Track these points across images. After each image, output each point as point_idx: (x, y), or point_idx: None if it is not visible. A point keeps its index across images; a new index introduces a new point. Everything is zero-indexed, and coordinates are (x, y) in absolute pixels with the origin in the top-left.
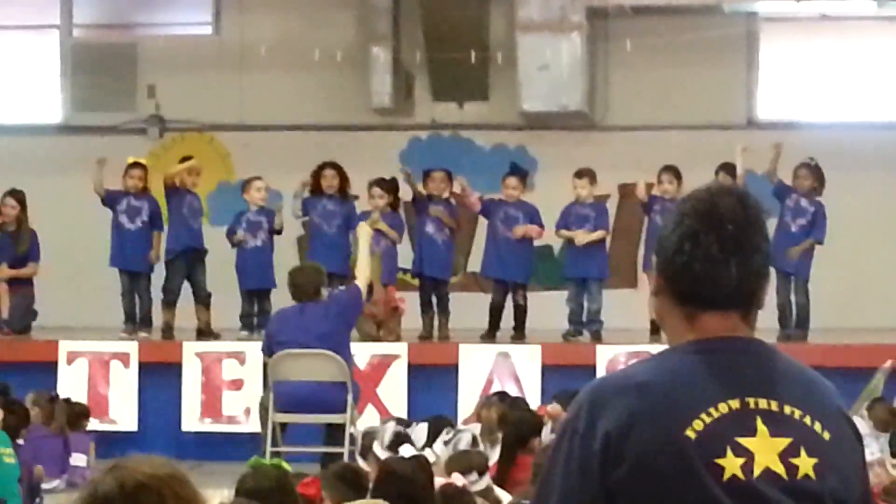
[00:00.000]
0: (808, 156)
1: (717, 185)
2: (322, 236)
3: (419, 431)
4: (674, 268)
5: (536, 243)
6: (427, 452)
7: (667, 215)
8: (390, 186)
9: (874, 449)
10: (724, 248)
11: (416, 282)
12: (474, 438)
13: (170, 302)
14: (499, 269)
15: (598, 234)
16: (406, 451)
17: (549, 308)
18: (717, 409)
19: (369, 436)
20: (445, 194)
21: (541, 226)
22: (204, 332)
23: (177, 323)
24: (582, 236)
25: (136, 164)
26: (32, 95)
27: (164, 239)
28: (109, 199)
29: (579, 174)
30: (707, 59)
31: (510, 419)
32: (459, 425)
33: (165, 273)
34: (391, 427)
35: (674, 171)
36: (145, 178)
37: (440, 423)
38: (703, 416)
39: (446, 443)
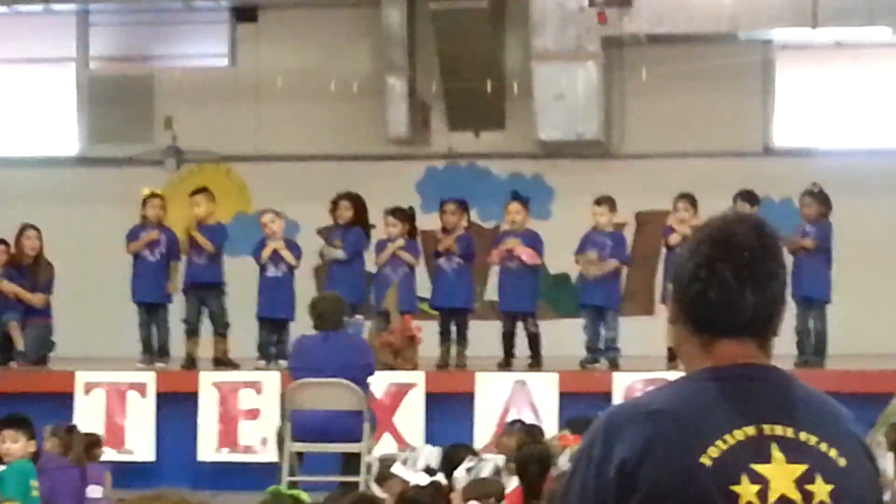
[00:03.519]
0: (813, 182)
1: (733, 213)
2: (338, 268)
3: (428, 456)
4: (690, 295)
5: (553, 271)
6: (439, 477)
7: (682, 244)
8: (406, 215)
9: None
10: (739, 276)
11: (434, 311)
12: (496, 468)
13: (190, 332)
14: (504, 300)
15: (611, 263)
16: (421, 478)
17: (566, 336)
18: (732, 435)
19: (385, 462)
20: (462, 224)
21: (539, 253)
22: (221, 362)
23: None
24: (595, 267)
25: (154, 195)
26: (49, 128)
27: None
28: (130, 237)
29: (598, 202)
30: (723, 86)
31: (524, 453)
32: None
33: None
34: (430, 450)
35: (689, 199)
36: (164, 209)
37: (461, 450)
38: (719, 442)
39: (468, 470)
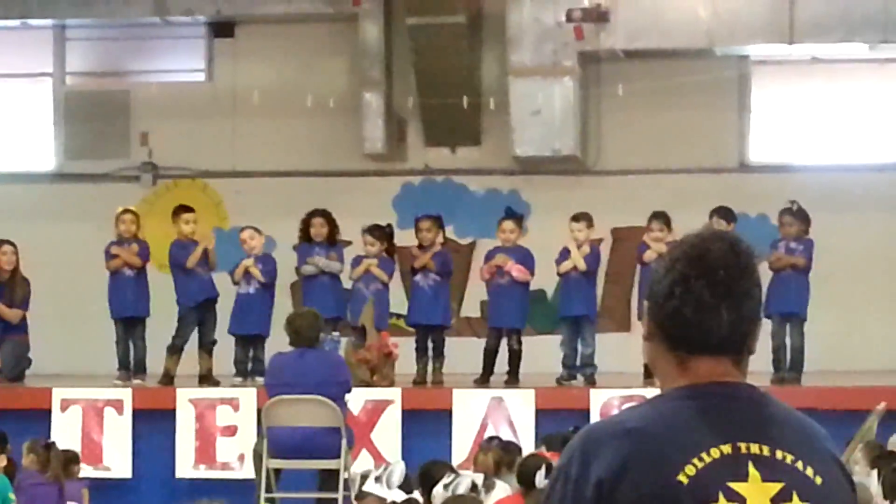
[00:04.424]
0: (791, 200)
1: (709, 231)
2: (314, 283)
3: (397, 473)
4: (665, 313)
5: (530, 287)
6: (416, 495)
7: (658, 261)
8: (384, 233)
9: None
10: (715, 293)
11: (409, 327)
12: (474, 484)
13: (176, 349)
14: (493, 316)
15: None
16: (397, 495)
17: (542, 352)
18: (708, 454)
19: (364, 478)
20: (438, 241)
21: (531, 271)
22: (205, 379)
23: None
24: (576, 257)
25: (126, 211)
26: (25, 143)
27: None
28: (107, 255)
29: (576, 218)
30: (699, 102)
31: (518, 464)
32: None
33: (178, 324)
34: (399, 467)
35: (663, 218)
36: (137, 223)
37: (439, 467)
38: (696, 461)
39: (446, 486)
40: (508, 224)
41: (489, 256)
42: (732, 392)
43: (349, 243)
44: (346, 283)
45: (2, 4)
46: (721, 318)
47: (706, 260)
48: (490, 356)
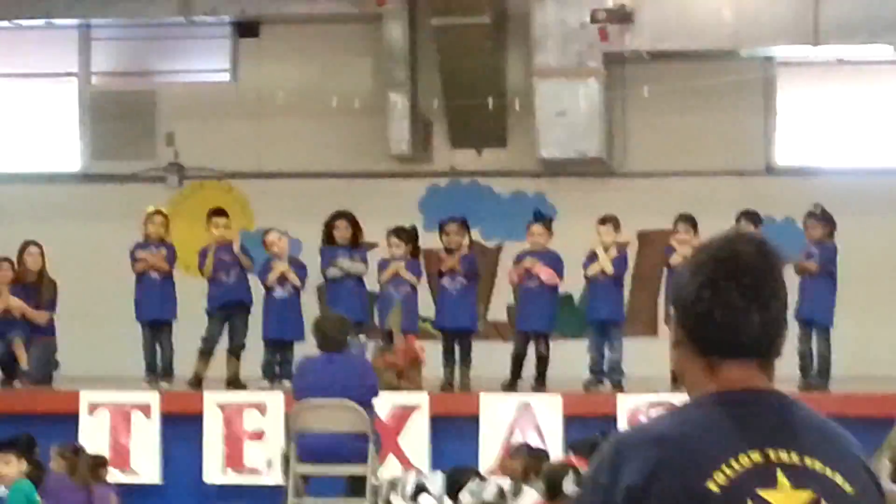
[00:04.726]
0: (815, 203)
1: (736, 233)
2: (339, 286)
3: (435, 481)
4: (694, 317)
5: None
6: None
7: (682, 264)
8: (409, 235)
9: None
10: (744, 296)
11: (437, 331)
12: (501, 490)
13: (206, 352)
14: (521, 320)
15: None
16: (425, 500)
17: (570, 357)
18: (738, 461)
19: (391, 486)
20: (465, 244)
21: (560, 274)
22: (232, 383)
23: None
24: (604, 260)
25: (157, 212)
26: (51, 143)
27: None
28: (132, 257)
29: (603, 220)
30: (724, 104)
31: (543, 471)
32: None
33: (206, 326)
34: (412, 477)
35: (689, 220)
36: (166, 225)
37: (465, 473)
38: (725, 468)
39: (472, 493)
40: (537, 227)
41: (518, 260)
42: (762, 398)
43: (374, 245)
44: (370, 286)
45: (27, 4)
46: (751, 321)
47: (735, 262)
48: (518, 361)
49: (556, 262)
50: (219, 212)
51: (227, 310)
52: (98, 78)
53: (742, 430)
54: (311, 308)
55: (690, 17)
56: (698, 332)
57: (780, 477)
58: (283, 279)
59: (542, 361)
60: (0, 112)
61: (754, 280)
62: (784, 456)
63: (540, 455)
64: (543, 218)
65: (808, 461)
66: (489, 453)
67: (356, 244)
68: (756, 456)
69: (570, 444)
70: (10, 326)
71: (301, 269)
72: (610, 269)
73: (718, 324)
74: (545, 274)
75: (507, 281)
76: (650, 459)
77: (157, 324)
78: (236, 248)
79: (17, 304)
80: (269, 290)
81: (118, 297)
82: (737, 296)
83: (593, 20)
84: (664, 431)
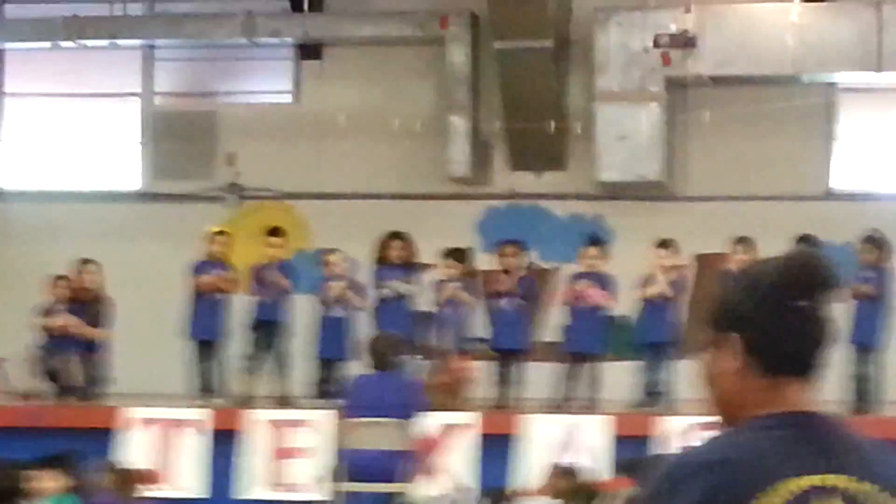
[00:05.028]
0: (873, 228)
1: (798, 252)
2: (388, 306)
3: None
4: (764, 335)
5: (612, 313)
6: None
7: (737, 285)
8: (463, 255)
9: None
10: (814, 314)
11: (491, 352)
12: None
13: (251, 369)
14: (572, 340)
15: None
16: None
17: (621, 378)
18: (794, 485)
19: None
20: (522, 266)
21: (614, 297)
22: (279, 400)
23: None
24: (662, 283)
25: (220, 231)
26: (113, 162)
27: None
28: (195, 271)
29: (663, 244)
30: (784, 129)
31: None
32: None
33: (253, 344)
34: (450, 496)
35: (747, 242)
36: (229, 245)
37: (506, 493)
38: (782, 491)
39: None
40: (592, 250)
41: (572, 281)
42: (816, 422)
43: (431, 266)
44: (424, 306)
45: (92, 25)
46: (813, 339)
47: (802, 281)
48: (571, 382)
49: (610, 285)
50: (274, 231)
51: (271, 327)
52: (161, 98)
53: (798, 454)
54: (366, 327)
55: (753, 43)
56: (769, 350)
57: (837, 501)
58: (341, 298)
59: (594, 382)
60: (64, 131)
61: (815, 299)
62: (841, 480)
63: (584, 475)
64: (598, 241)
65: (864, 486)
66: (538, 473)
67: (410, 264)
68: (813, 480)
69: (621, 465)
70: (66, 343)
71: (361, 290)
72: (669, 292)
73: (789, 343)
74: (600, 296)
75: (561, 302)
76: (707, 484)
77: (211, 342)
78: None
79: (74, 321)
80: (325, 308)
81: (174, 315)
82: (810, 314)
83: (656, 45)
84: (721, 456)
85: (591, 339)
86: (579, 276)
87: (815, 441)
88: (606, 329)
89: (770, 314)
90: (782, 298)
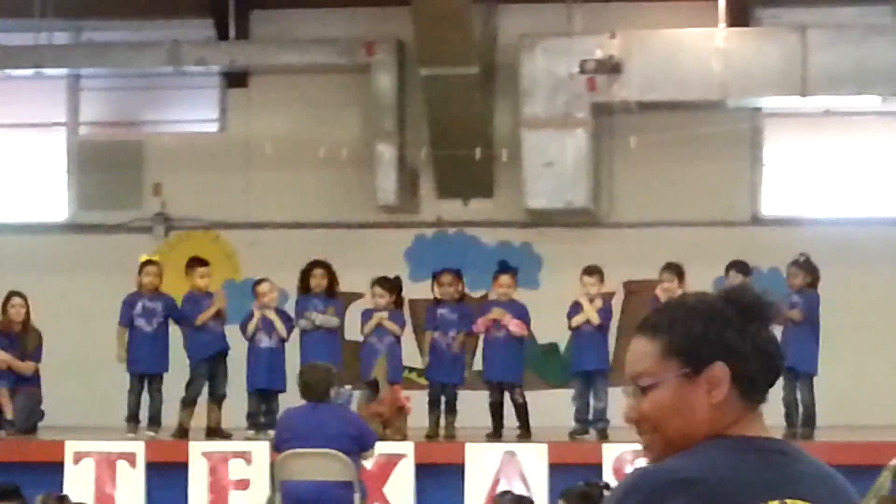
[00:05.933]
0: (801, 252)
1: (737, 283)
2: (312, 337)
3: None
4: (747, 363)
5: (542, 340)
6: None
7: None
8: (392, 285)
9: None
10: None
11: (422, 380)
12: None
13: (190, 402)
14: (489, 370)
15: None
16: None
17: (555, 406)
18: None
19: None
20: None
21: (527, 325)
22: (214, 432)
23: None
24: (589, 311)
25: (150, 262)
26: (38, 193)
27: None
28: (125, 308)
29: (589, 272)
30: (711, 155)
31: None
32: None
33: (190, 377)
34: None
35: (674, 269)
36: (160, 275)
37: None
38: None
39: None
40: (505, 278)
41: (485, 310)
42: (777, 447)
43: (360, 296)
44: (349, 336)
45: (16, 54)
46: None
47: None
48: (496, 410)
49: (523, 313)
50: (200, 261)
51: (213, 359)
52: (86, 128)
53: (765, 478)
54: (292, 358)
55: (678, 68)
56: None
57: None
58: (269, 328)
59: (521, 410)
60: None
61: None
62: None
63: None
64: (509, 269)
65: None
66: (475, 502)
67: (332, 294)
68: None
69: (562, 494)
70: None
71: (288, 321)
72: (596, 320)
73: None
74: (514, 325)
75: (475, 331)
76: (689, 500)
77: (147, 375)
78: (222, 304)
79: (2, 355)
80: (252, 340)
81: (104, 346)
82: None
83: (582, 71)
84: (696, 475)
85: (507, 367)
86: (492, 304)
87: (777, 466)
88: (522, 357)
89: (750, 342)
90: (748, 327)
